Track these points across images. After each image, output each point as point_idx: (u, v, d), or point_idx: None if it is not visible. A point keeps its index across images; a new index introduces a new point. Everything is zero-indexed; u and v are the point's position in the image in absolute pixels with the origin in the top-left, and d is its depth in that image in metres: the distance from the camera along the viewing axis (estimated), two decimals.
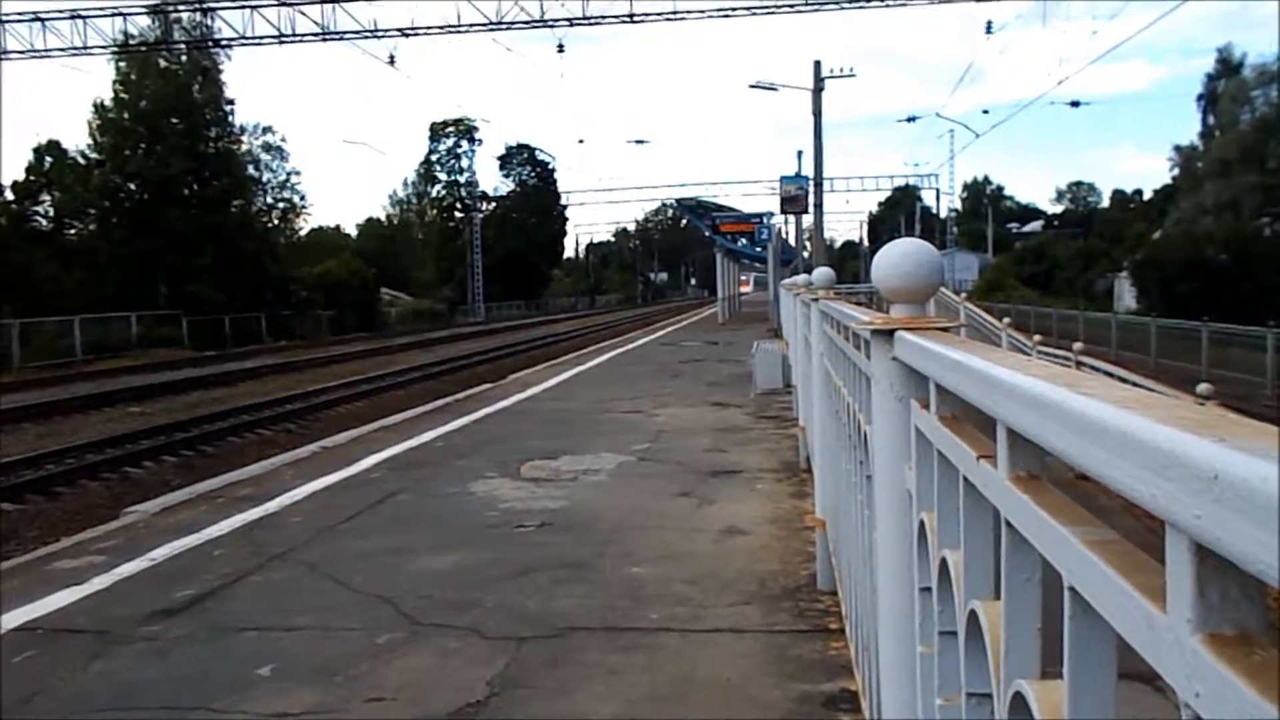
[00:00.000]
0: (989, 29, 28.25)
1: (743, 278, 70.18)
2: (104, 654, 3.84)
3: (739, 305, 44.82)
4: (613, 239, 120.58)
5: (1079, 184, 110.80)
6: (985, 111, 78.59)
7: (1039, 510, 0.76)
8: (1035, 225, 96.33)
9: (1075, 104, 44.91)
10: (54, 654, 3.86)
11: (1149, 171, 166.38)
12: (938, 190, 62.18)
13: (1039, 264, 52.56)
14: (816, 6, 24.81)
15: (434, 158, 77.72)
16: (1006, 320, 14.23)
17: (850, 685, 3.25)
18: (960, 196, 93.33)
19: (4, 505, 10.08)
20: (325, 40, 26.43)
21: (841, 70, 29.58)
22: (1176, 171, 49.46)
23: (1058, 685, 0.78)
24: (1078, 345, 10.83)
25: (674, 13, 25.46)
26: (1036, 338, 12.44)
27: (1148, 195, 79.64)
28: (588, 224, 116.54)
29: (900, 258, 1.50)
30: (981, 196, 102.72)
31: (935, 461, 1.26)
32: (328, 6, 25.78)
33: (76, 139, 45.82)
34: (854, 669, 3.01)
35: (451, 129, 76.22)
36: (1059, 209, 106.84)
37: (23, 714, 3.34)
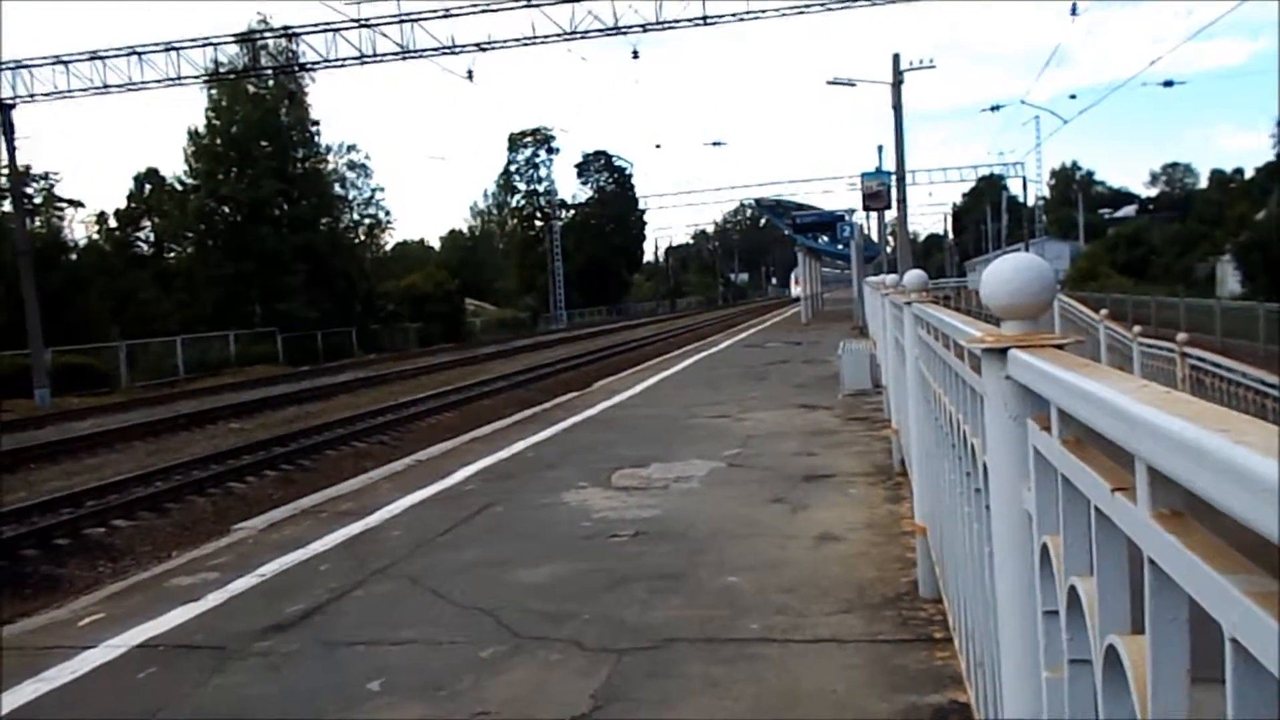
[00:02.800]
0: (1074, 11, 27.47)
1: (795, 275, 68.91)
2: (221, 670, 3.98)
3: (822, 304, 44.35)
4: (692, 241, 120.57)
5: (1174, 165, 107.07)
6: (1073, 96, 77.03)
7: (1190, 554, 0.74)
8: (1129, 210, 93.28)
9: (1169, 84, 43.21)
10: (175, 670, 4.01)
11: (1250, 149, 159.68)
12: (1024, 178, 60.52)
13: (1134, 250, 50.88)
14: None
15: (513, 168, 78.89)
16: (1104, 312, 13.79)
17: (959, 696, 3.19)
18: (1048, 184, 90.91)
19: (119, 522, 10.53)
20: (405, 59, 26.99)
21: (921, 62, 29.11)
22: None
23: None
24: (1181, 336, 10.44)
25: (747, 12, 25.32)
26: (1136, 329, 12.04)
27: (1249, 174, 76.34)
28: (666, 227, 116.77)
29: (1011, 274, 1.47)
30: (1071, 182, 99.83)
31: (1059, 485, 1.23)
32: (406, 26, 26.31)
33: (173, 166, 47.65)
34: (965, 682, 2.95)
35: (529, 139, 77.27)
36: (1153, 192, 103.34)
37: None
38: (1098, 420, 0.96)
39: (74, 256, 38.96)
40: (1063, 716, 1.28)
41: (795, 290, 72.10)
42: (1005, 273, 1.48)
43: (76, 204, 41.03)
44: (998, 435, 1.58)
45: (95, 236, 42.73)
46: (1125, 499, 0.93)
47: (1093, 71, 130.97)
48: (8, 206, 32.19)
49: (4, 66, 26.56)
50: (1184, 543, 0.76)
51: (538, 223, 77.07)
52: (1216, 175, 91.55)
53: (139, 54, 27.05)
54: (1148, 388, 0.89)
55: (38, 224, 36.92)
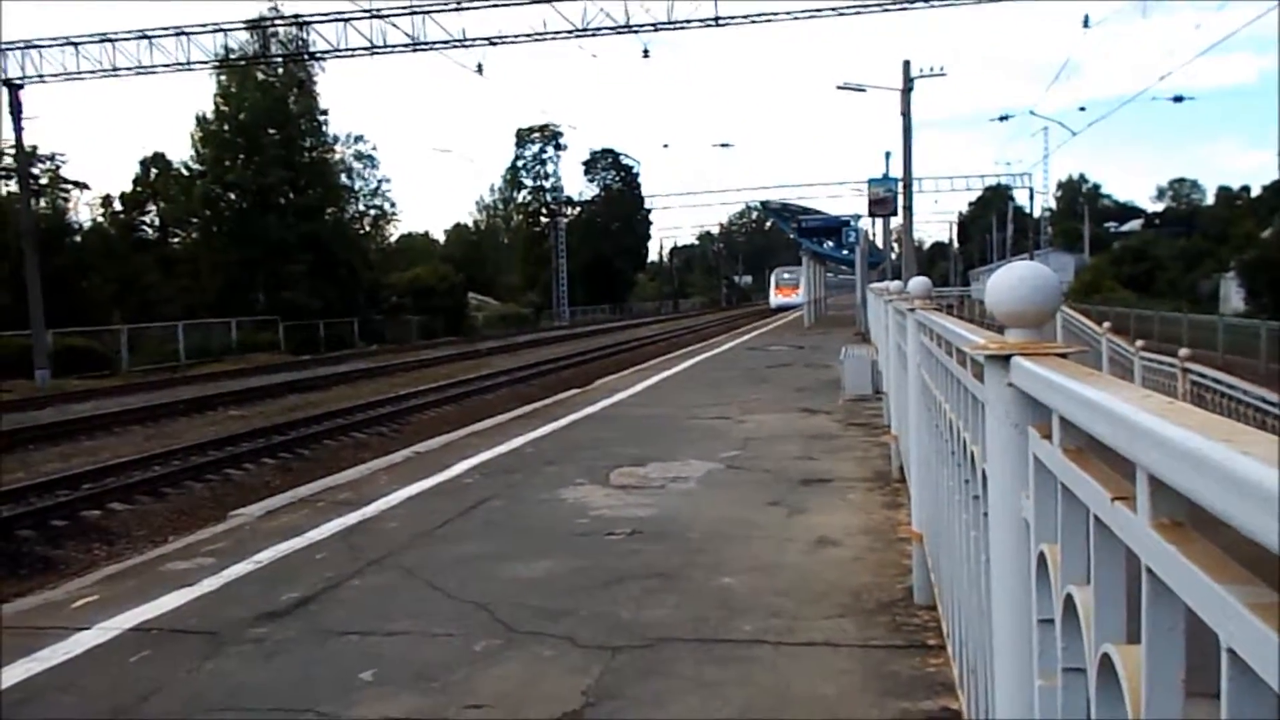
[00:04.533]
0: (1086, 23, 27.51)
1: (786, 275, 65.70)
2: (215, 655, 3.98)
3: (825, 309, 44.32)
4: (696, 242, 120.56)
5: (1181, 181, 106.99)
6: (1082, 108, 76.80)
7: (1189, 564, 0.74)
8: (1134, 224, 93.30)
9: (1178, 99, 42.94)
10: (168, 654, 4.01)
11: (1257, 167, 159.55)
12: (1031, 189, 60.35)
13: (1139, 264, 50.88)
14: (904, 6, 24.40)
15: (520, 163, 78.87)
16: (1106, 325, 13.78)
17: (950, 703, 3.19)
18: (1055, 195, 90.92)
19: (116, 505, 10.53)
20: (415, 51, 26.96)
21: (931, 69, 29.07)
22: None
23: None
24: (1184, 351, 10.42)
25: (759, 15, 25.32)
26: (1139, 343, 12.03)
27: (1256, 191, 76.41)
28: (671, 228, 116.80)
29: (1016, 282, 1.47)
30: (1077, 195, 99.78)
31: (1059, 494, 1.23)
32: (417, 18, 26.29)
33: (180, 151, 47.62)
34: (957, 689, 2.95)
35: (537, 135, 77.19)
36: (1159, 207, 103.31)
37: (141, 712, 3.48)
38: (1100, 428, 0.96)
39: (78, 239, 39.01)
40: None
41: (776, 298, 68.41)
42: (1011, 280, 1.47)
43: (82, 186, 41.01)
44: (998, 442, 1.58)
45: (100, 219, 42.78)
46: (1125, 508, 0.93)
47: (1102, 84, 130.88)
48: (13, 187, 32.25)
49: (13, 47, 26.58)
50: (1183, 552, 0.76)
51: (543, 219, 77.02)
52: (1223, 192, 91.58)
53: (149, 38, 27.04)
54: (1151, 397, 0.89)
55: (43, 205, 36.94)
